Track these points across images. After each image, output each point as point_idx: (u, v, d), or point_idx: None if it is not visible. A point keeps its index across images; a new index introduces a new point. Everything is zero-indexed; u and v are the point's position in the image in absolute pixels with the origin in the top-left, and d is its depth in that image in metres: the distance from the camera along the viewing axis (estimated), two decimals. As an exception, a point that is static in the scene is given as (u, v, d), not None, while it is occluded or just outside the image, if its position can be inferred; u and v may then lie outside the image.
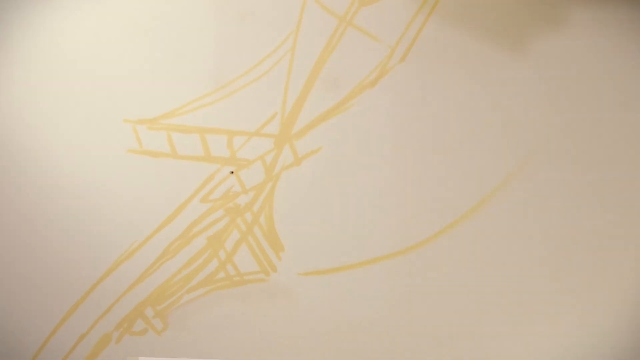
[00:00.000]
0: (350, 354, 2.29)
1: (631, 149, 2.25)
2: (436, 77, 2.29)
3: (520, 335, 2.25)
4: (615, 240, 2.24)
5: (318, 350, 2.29)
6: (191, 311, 2.33)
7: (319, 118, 2.28)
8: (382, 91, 2.29)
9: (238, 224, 2.31)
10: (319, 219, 2.32)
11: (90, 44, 2.32)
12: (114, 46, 2.35)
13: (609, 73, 2.27)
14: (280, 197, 2.31)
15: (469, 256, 2.27)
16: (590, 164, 2.25)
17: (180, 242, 2.31)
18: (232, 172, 2.29)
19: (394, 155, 2.29)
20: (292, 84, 2.29)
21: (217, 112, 2.31)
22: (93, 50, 2.33)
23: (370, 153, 2.29)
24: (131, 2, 2.35)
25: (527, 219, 2.25)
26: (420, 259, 2.27)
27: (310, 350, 2.30)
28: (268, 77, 2.30)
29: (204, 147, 2.29)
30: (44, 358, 2.31)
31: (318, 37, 2.30)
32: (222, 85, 2.31)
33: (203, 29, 2.34)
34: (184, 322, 2.33)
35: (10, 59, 2.34)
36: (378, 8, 2.28)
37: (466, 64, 2.28)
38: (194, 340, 2.34)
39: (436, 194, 2.28)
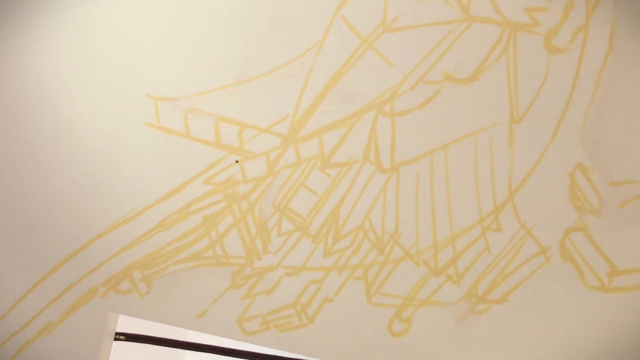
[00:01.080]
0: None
1: None
2: (441, 111, 2.44)
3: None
4: None
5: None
6: (175, 281, 2.47)
7: (326, 127, 2.44)
8: (387, 113, 2.44)
9: (234, 209, 2.46)
10: (308, 218, 2.48)
11: (128, 20, 2.46)
12: (150, 26, 2.48)
13: None
14: (276, 193, 2.48)
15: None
16: None
17: (177, 217, 2.46)
18: (237, 162, 2.44)
19: (390, 170, 2.45)
20: (307, 91, 2.43)
21: (234, 103, 2.44)
22: (129, 26, 2.46)
23: (366, 166, 2.46)
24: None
25: None
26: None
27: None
28: (287, 80, 2.43)
29: (216, 134, 2.43)
30: (31, 300, 2.47)
31: (340, 52, 2.43)
32: (243, 80, 2.44)
33: (237, 25, 2.46)
34: (166, 290, 2.47)
35: (49, 28, 2.50)
36: (400, 37, 2.43)
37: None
38: (173, 308, 2.49)
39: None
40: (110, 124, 2.48)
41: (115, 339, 2.63)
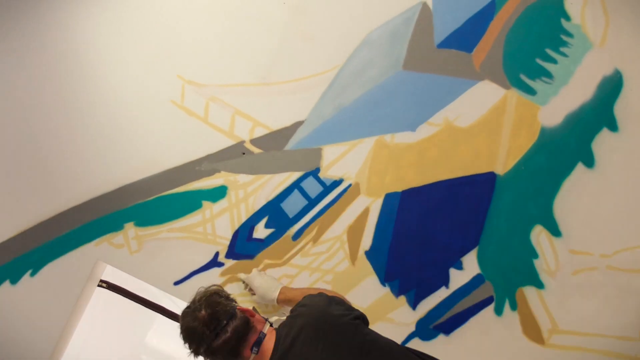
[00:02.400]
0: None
1: None
2: (434, 153, 2.67)
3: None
4: None
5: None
6: (164, 247, 2.69)
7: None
8: (387, 143, 2.67)
9: (230, 195, 2.69)
10: (294, 218, 2.71)
11: (173, 6, 2.71)
12: (192, 14, 2.71)
13: None
14: (271, 189, 2.71)
15: None
16: None
17: (179, 189, 2.69)
18: (244, 153, 2.67)
19: (376, 195, 2.68)
20: (319, 106, 2.67)
21: (253, 101, 2.67)
22: (173, 11, 2.70)
23: (356, 185, 2.68)
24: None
25: None
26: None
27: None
28: (304, 92, 2.67)
29: (231, 125, 2.66)
30: (29, 234, 2.71)
31: (353, 81, 2.68)
32: (267, 83, 2.68)
33: (272, 31, 2.70)
34: (154, 252, 2.69)
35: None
36: (414, 77, 2.66)
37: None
38: (156, 270, 2.72)
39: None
40: (138, 94, 2.71)
41: (98, 285, 2.85)
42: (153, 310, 2.87)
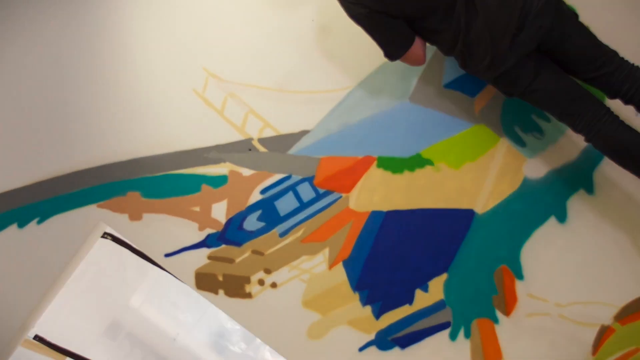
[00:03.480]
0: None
1: None
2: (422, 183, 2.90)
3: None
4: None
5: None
6: (162, 220, 2.92)
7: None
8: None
9: (231, 184, 2.91)
10: (285, 216, 2.94)
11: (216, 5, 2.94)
12: (225, 10, 2.92)
13: None
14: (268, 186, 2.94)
15: None
16: None
17: (184, 170, 2.91)
18: (250, 150, 2.89)
19: (363, 212, 2.91)
20: (326, 121, 2.90)
21: (267, 104, 2.90)
22: (213, 8, 2.92)
23: (346, 198, 2.91)
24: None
25: None
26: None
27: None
28: (316, 104, 2.89)
29: (243, 121, 2.88)
30: (44, 185, 2.92)
31: (362, 105, 2.90)
32: (283, 90, 2.90)
33: (298, 43, 2.91)
34: (151, 224, 2.92)
35: None
36: (420, 111, 2.89)
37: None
38: (150, 240, 2.95)
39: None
40: (164, 77, 2.93)
41: (102, 237, 3.08)
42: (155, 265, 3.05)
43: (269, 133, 2.91)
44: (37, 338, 3.32)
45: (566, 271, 2.90)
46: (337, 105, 2.91)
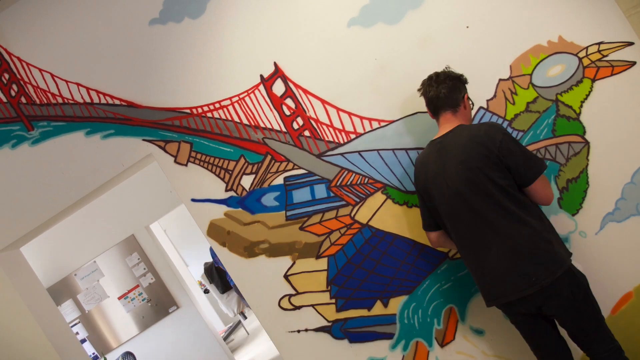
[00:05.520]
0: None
1: None
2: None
3: None
4: None
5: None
6: (199, 171, 3.43)
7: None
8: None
9: (264, 162, 3.41)
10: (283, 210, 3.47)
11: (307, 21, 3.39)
12: (315, 33, 3.35)
13: None
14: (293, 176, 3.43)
15: None
16: None
17: (230, 141, 3.46)
18: (288, 143, 3.39)
19: (362, 224, 3.43)
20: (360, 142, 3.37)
21: (316, 110, 3.37)
22: (304, 22, 3.38)
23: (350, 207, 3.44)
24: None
25: None
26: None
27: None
28: (354, 125, 3.36)
29: (291, 116, 3.38)
30: (118, 108, 3.45)
31: (396, 136, 3.34)
32: (333, 104, 3.36)
33: (357, 72, 3.34)
34: (191, 171, 3.43)
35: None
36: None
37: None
38: (185, 183, 3.44)
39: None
40: (240, 58, 3.40)
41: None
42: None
43: (307, 134, 3.39)
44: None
45: (499, 329, 3.36)
46: (372, 132, 3.34)
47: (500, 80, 3.32)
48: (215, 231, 3.48)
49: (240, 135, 3.43)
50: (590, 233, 3.32)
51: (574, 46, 3.28)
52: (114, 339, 7.40)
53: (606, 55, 3.27)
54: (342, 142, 3.39)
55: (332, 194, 3.41)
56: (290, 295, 3.47)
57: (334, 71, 3.39)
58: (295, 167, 3.42)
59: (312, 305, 3.46)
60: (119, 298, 7.29)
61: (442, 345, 3.43)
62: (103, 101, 3.46)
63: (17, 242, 3.66)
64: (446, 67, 3.01)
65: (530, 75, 3.30)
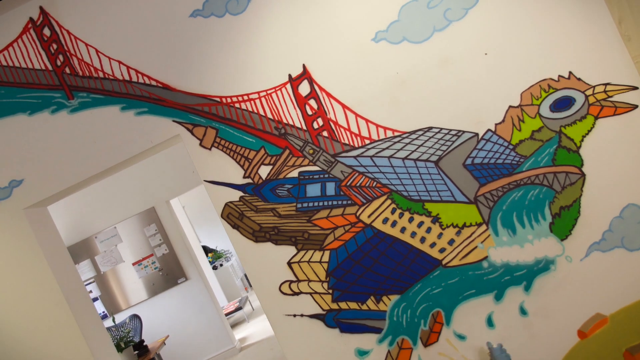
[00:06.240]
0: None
1: None
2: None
3: None
4: None
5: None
6: (221, 156, 3.34)
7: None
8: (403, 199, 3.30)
9: (282, 156, 3.31)
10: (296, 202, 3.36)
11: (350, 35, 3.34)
12: (346, 34, 3.28)
13: None
14: (308, 171, 3.34)
15: None
16: None
17: (253, 132, 3.36)
18: (308, 142, 3.31)
19: (366, 224, 3.31)
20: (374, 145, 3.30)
21: (337, 114, 3.28)
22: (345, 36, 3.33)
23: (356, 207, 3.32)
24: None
25: None
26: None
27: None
28: (371, 132, 3.27)
29: (312, 116, 3.29)
30: (160, 90, 3.36)
31: (408, 147, 3.26)
32: (354, 109, 3.28)
33: (379, 85, 3.26)
34: (213, 155, 3.34)
35: None
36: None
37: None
38: (205, 164, 3.34)
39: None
40: (274, 57, 3.32)
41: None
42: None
43: (325, 134, 3.31)
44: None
45: (481, 337, 3.29)
46: (387, 140, 3.27)
47: (510, 106, 3.23)
48: (229, 213, 3.39)
49: (263, 128, 3.34)
50: (576, 259, 3.25)
51: (583, 84, 3.21)
52: (123, 301, 7.36)
53: (611, 96, 3.20)
54: (356, 145, 3.31)
55: (341, 193, 3.32)
56: (291, 282, 3.38)
57: (357, 79, 3.31)
58: (310, 163, 3.33)
59: (310, 293, 3.37)
60: (133, 264, 7.26)
61: (425, 345, 3.33)
62: (141, 80, 3.38)
63: (45, 201, 3.58)
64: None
65: (539, 105, 3.22)
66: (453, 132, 3.25)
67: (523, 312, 3.27)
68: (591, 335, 3.24)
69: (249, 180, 3.35)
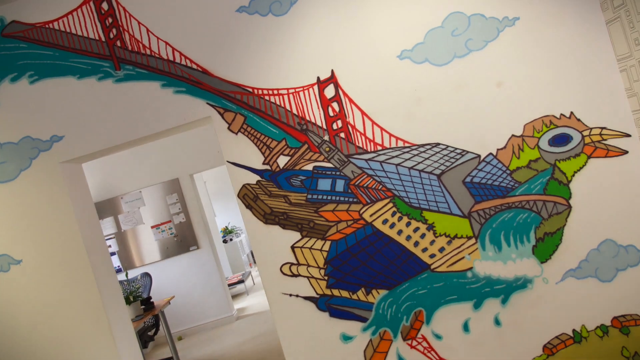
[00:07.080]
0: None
1: None
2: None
3: None
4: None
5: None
6: (246, 142, 3.25)
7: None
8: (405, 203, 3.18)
9: (300, 149, 3.21)
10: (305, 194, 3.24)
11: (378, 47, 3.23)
12: (377, 48, 3.18)
13: None
14: (322, 166, 3.23)
15: None
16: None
17: (276, 123, 3.25)
18: (326, 140, 3.20)
19: (369, 221, 3.20)
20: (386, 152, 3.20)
21: (354, 118, 3.18)
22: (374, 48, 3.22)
23: (359, 205, 3.21)
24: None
25: None
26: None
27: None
28: (385, 141, 3.16)
29: (333, 118, 3.19)
30: (192, 71, 3.24)
31: (416, 158, 3.16)
32: (369, 116, 3.17)
33: (396, 100, 3.15)
34: (238, 140, 3.25)
35: None
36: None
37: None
38: (230, 147, 3.25)
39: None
40: (305, 59, 3.21)
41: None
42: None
43: (342, 135, 3.21)
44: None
45: (456, 337, 3.20)
46: (397, 149, 3.17)
47: (512, 135, 3.13)
48: (245, 194, 3.29)
49: (287, 122, 3.24)
50: (552, 281, 3.16)
51: (581, 124, 3.11)
52: (138, 259, 7.28)
53: (605, 139, 3.10)
54: (369, 150, 3.21)
55: (349, 190, 3.22)
56: (292, 264, 3.28)
57: (378, 90, 3.21)
58: (325, 160, 3.23)
59: (307, 277, 3.26)
60: (152, 227, 7.18)
61: (404, 338, 3.23)
62: (183, 62, 3.28)
63: (81, 158, 3.49)
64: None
65: (539, 138, 3.13)
66: (458, 151, 3.15)
67: (497, 322, 3.18)
68: (556, 353, 3.15)
69: (267, 167, 3.25)
